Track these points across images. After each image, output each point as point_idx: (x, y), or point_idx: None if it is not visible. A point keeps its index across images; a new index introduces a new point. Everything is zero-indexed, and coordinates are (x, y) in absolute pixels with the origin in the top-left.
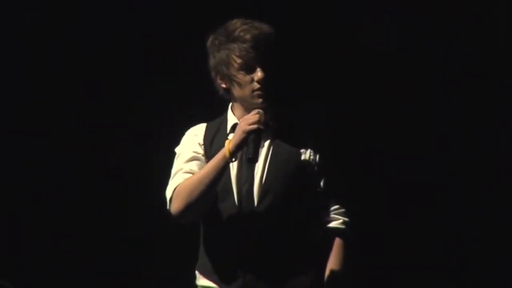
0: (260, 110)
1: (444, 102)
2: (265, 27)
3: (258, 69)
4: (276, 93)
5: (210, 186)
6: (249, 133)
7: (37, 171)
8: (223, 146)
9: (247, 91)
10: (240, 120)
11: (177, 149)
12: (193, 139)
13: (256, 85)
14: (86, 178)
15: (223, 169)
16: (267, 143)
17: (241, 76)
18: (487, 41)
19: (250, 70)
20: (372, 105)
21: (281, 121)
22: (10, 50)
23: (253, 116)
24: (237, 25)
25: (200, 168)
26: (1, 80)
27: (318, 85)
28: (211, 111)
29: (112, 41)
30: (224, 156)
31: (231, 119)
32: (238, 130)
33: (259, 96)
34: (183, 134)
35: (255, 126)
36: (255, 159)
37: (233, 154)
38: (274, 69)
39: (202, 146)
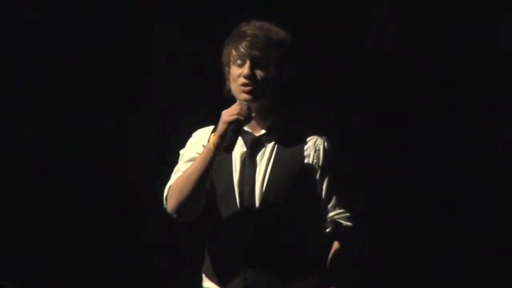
0: (244, 102)
1: (446, 103)
2: (275, 31)
3: (247, 65)
4: (282, 95)
5: (199, 181)
6: (229, 124)
7: (39, 171)
8: None
9: (235, 85)
10: (223, 111)
11: (181, 151)
12: (198, 140)
13: (241, 80)
14: (90, 178)
15: (210, 162)
16: (270, 145)
17: (234, 69)
18: (487, 41)
19: (242, 65)
20: (375, 107)
21: (286, 123)
22: (14, 51)
23: (234, 107)
24: (248, 24)
25: None
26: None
27: (323, 87)
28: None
29: (121, 43)
30: (209, 149)
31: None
32: (220, 121)
33: (242, 91)
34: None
35: (234, 116)
36: (229, 148)
37: (217, 146)
38: (271, 71)
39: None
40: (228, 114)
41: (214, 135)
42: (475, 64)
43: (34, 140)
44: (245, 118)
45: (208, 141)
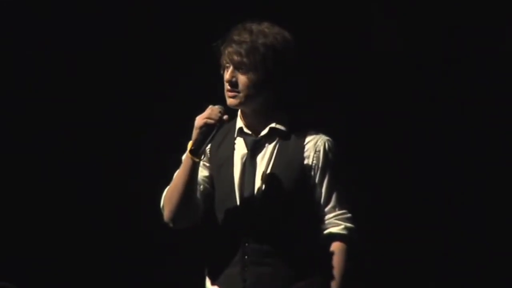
0: (216, 106)
1: (446, 103)
2: (265, 34)
3: (229, 71)
4: (279, 97)
5: (184, 188)
6: (200, 128)
7: (39, 171)
8: (229, 149)
9: (224, 89)
10: (196, 117)
11: (183, 156)
12: None
13: (226, 85)
14: (90, 179)
15: (191, 169)
16: (271, 146)
17: (225, 75)
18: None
19: (228, 70)
20: (376, 107)
21: (286, 124)
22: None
23: (206, 111)
24: (240, 27)
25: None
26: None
27: (324, 88)
28: None
29: (121, 43)
30: (187, 156)
31: (239, 122)
32: (194, 127)
33: (227, 97)
34: None
35: (204, 120)
36: (195, 151)
37: (193, 152)
38: (255, 75)
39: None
40: (199, 119)
41: (190, 141)
42: (476, 64)
43: (34, 140)
44: (216, 121)
45: (212, 148)
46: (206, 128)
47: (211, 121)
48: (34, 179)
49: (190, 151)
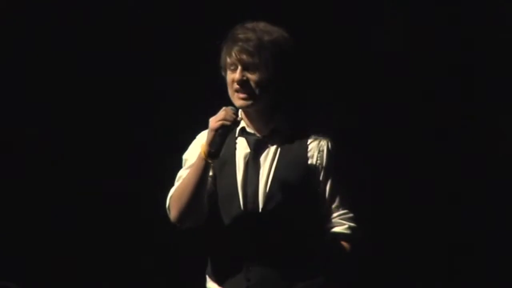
0: (229, 108)
1: (448, 104)
2: (269, 32)
3: (238, 70)
4: (283, 96)
5: (195, 189)
6: (216, 130)
7: (40, 171)
8: (231, 149)
9: (231, 91)
10: (210, 119)
11: (184, 155)
12: (200, 144)
13: (235, 86)
14: (90, 178)
15: (204, 171)
16: (274, 146)
17: (229, 74)
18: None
19: (235, 70)
20: (379, 107)
21: (289, 124)
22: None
23: (220, 113)
24: (242, 27)
25: None
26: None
27: (327, 87)
28: None
29: (122, 43)
30: (201, 158)
31: (241, 122)
32: (208, 129)
33: (237, 98)
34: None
35: (220, 122)
36: (215, 154)
37: (208, 154)
38: (264, 74)
39: None
40: (214, 121)
41: (204, 143)
42: (476, 64)
43: (34, 140)
44: (232, 122)
45: None
46: (223, 130)
47: (228, 123)
48: (34, 179)
49: (210, 154)
